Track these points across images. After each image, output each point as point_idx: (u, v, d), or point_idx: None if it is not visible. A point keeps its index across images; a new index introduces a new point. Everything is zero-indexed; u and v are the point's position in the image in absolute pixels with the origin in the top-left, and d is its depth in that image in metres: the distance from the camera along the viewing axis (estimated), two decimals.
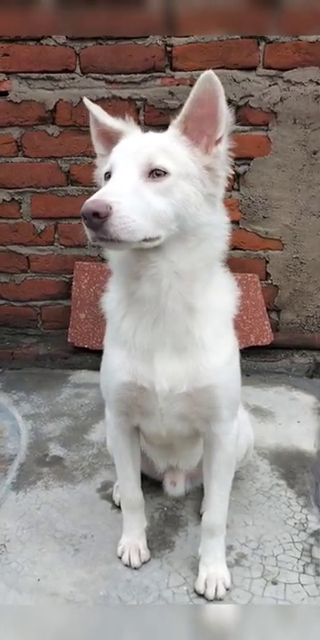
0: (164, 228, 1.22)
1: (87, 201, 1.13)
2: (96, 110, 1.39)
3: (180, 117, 1.29)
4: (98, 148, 1.41)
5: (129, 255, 1.29)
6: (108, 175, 1.28)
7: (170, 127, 1.32)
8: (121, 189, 1.17)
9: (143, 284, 1.31)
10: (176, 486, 1.80)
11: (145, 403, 1.44)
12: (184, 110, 1.27)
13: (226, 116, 1.25)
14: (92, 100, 2.96)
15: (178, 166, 1.24)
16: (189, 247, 1.28)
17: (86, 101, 1.37)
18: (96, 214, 1.10)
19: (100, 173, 1.40)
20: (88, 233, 1.16)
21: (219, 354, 1.39)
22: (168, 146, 1.26)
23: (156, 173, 1.21)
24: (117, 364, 1.43)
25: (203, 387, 1.38)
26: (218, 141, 1.27)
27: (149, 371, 1.38)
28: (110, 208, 1.11)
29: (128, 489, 1.65)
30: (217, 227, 1.33)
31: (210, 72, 1.21)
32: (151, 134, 1.35)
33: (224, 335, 1.42)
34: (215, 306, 1.38)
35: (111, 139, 1.38)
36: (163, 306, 1.32)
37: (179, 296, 1.31)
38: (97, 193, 1.17)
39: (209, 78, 1.21)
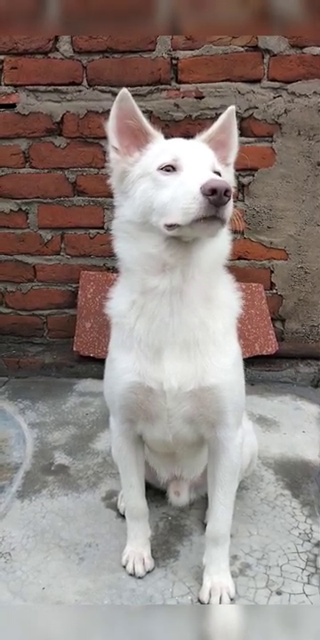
0: None
1: (214, 179, 1.20)
2: (135, 104, 1.41)
3: (205, 135, 1.50)
4: (114, 141, 1.43)
5: (168, 247, 1.35)
6: (167, 167, 1.32)
7: (197, 139, 1.49)
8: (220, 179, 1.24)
9: (172, 274, 1.37)
10: (180, 496, 1.80)
11: (151, 406, 1.45)
12: (210, 131, 1.50)
13: (237, 144, 1.54)
14: (97, 113, 3.01)
15: (222, 172, 1.41)
16: (212, 242, 1.38)
17: (126, 92, 1.39)
18: (227, 192, 1.18)
19: (123, 166, 1.42)
20: (202, 209, 1.20)
21: (226, 353, 1.44)
22: (214, 157, 1.42)
23: None
24: (125, 367, 1.45)
25: (209, 386, 1.41)
26: (229, 163, 1.53)
27: (158, 370, 1.41)
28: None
29: (132, 497, 1.65)
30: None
31: (233, 107, 1.50)
32: (196, 142, 1.47)
33: (230, 334, 1.49)
34: (225, 301, 1.47)
35: (135, 137, 1.43)
36: (183, 295, 1.38)
37: (198, 286, 1.40)
38: (209, 176, 1.21)
39: (233, 112, 1.50)
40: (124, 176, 1.42)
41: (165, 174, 1.32)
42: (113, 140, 1.43)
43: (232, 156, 1.54)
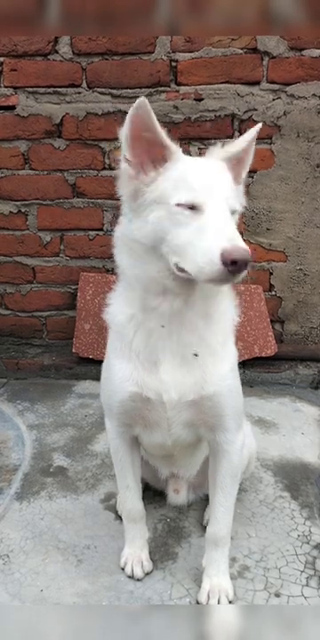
0: None
1: (236, 247, 1.14)
2: (153, 114, 1.28)
3: (229, 154, 1.39)
4: (129, 152, 1.31)
5: (172, 275, 1.30)
6: (190, 207, 1.23)
7: (218, 158, 1.38)
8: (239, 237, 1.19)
9: (174, 299, 1.35)
10: (179, 494, 1.80)
11: (151, 414, 1.45)
12: (234, 149, 1.40)
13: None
14: (97, 115, 3.02)
15: (238, 206, 1.36)
16: None
17: (144, 101, 1.25)
18: (248, 264, 1.14)
19: (138, 185, 1.32)
20: (218, 274, 1.15)
21: (224, 360, 1.44)
22: (232, 185, 1.35)
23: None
24: (123, 376, 1.44)
25: (209, 394, 1.41)
26: (240, 182, 1.44)
27: (157, 381, 1.41)
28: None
29: (128, 499, 1.65)
30: None
31: (260, 125, 1.47)
32: (217, 166, 1.35)
33: (228, 341, 1.48)
34: (223, 311, 1.45)
35: (150, 151, 1.32)
36: (183, 317, 1.37)
37: (199, 309, 1.38)
38: (232, 241, 1.15)
39: (256, 131, 1.44)
40: (137, 195, 1.32)
41: (183, 212, 1.23)
42: (126, 150, 1.31)
43: (244, 174, 1.46)
